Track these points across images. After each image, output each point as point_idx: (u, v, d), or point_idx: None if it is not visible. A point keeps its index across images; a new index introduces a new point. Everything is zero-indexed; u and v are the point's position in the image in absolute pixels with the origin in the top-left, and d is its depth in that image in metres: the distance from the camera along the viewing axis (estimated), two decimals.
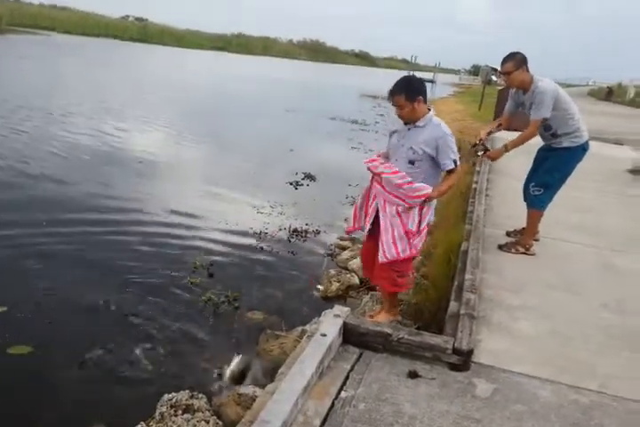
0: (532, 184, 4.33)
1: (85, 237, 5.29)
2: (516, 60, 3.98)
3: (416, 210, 3.14)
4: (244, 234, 5.88)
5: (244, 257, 5.26)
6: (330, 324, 2.62)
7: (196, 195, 7.34)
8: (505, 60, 4.02)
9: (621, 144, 12.57)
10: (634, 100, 33.27)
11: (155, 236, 5.54)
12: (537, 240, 4.62)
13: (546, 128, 4.15)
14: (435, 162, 3.14)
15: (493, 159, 4.26)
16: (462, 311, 2.96)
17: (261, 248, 5.53)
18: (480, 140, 4.23)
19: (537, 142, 4.58)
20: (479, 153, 4.27)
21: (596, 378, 2.65)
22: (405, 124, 3.23)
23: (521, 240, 4.43)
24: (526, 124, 4.48)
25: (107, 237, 5.36)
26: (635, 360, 2.87)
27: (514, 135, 4.26)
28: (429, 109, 3.16)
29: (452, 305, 3.27)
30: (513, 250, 4.35)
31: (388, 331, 2.65)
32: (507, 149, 4.14)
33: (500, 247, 4.39)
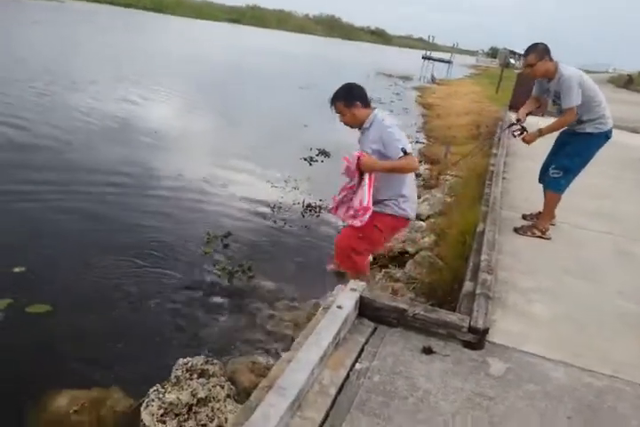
0: (552, 167, 4.30)
1: (102, 201, 5.35)
2: (538, 52, 3.93)
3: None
4: (259, 206, 5.88)
5: (259, 229, 5.27)
6: (346, 297, 2.62)
7: (210, 166, 7.32)
8: (527, 52, 3.98)
9: (639, 132, 12.38)
10: None
11: (170, 204, 5.57)
12: (553, 225, 4.58)
13: None
14: (387, 157, 3.12)
15: (529, 142, 4.23)
16: (478, 291, 2.95)
17: (275, 222, 5.53)
18: (518, 120, 4.28)
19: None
20: (515, 133, 4.29)
21: (610, 363, 2.65)
22: (359, 129, 3.38)
23: (537, 224, 4.40)
24: (543, 110, 4.49)
25: (124, 201, 5.42)
26: None
27: (530, 118, 4.34)
28: (374, 108, 3.27)
29: (467, 285, 3.26)
30: (529, 233, 4.33)
31: (404, 306, 2.65)
32: (541, 133, 4.14)
33: (516, 230, 4.37)
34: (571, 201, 4.64)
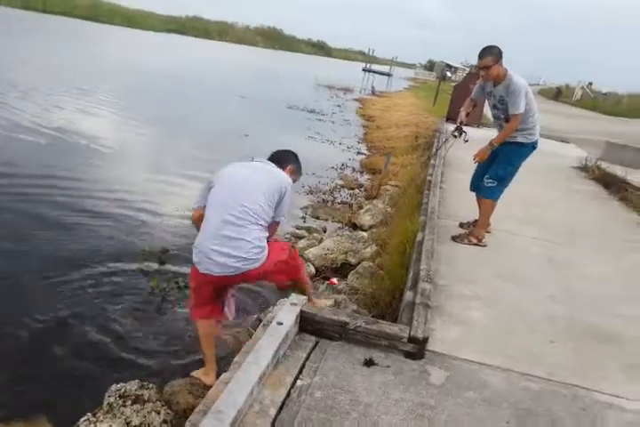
0: (487, 176, 4.44)
1: (30, 221, 5.03)
2: (495, 54, 4.03)
3: None
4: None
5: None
6: (286, 312, 2.58)
7: (146, 181, 7.10)
8: (483, 55, 4.03)
9: (567, 142, 13.10)
10: (580, 101, 34.73)
11: (103, 220, 5.34)
12: (489, 232, 4.73)
13: (506, 119, 4.26)
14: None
15: (483, 158, 4.34)
16: (418, 301, 2.99)
17: None
18: (461, 122, 4.50)
19: (486, 137, 4.69)
20: (455, 134, 4.52)
21: (545, 366, 2.74)
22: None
23: (474, 231, 4.53)
24: (477, 121, 4.67)
25: (52, 222, 5.10)
26: (579, 350, 2.98)
27: (465, 129, 4.58)
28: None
29: (408, 295, 3.30)
30: (466, 241, 4.44)
31: (346, 320, 2.64)
32: (492, 145, 4.26)
33: (454, 238, 4.47)
34: (504, 209, 4.81)
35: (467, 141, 4.56)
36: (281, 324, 2.46)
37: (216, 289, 2.68)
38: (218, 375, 2.48)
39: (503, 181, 4.40)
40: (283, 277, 2.69)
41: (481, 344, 2.86)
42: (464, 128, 4.60)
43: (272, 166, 2.73)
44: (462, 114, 4.52)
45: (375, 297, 3.97)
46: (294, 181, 2.84)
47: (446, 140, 5.34)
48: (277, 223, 2.69)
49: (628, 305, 3.69)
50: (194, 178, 7.40)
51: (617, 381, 2.70)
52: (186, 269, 4.51)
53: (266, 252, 2.54)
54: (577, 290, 3.84)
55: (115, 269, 4.32)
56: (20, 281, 3.93)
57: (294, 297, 2.75)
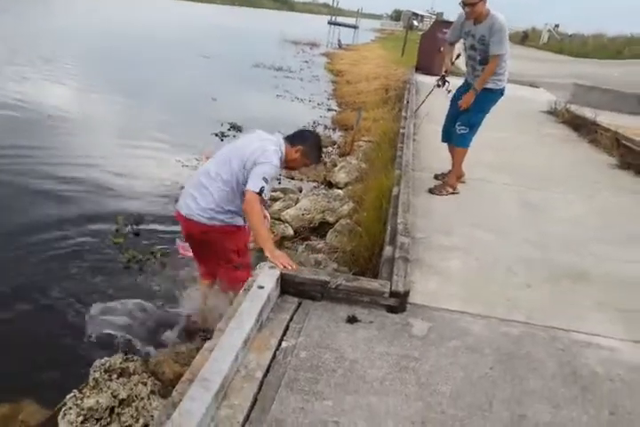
0: (459, 124, 4.42)
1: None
2: None
3: None
4: (171, 188, 5.61)
5: (172, 213, 5.03)
6: (266, 276, 2.55)
7: (115, 149, 6.89)
8: None
9: (537, 87, 13.06)
10: (547, 44, 34.46)
11: (74, 192, 5.21)
12: (463, 182, 4.74)
13: (481, 62, 4.19)
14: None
15: (468, 105, 4.26)
16: (397, 255, 2.98)
17: None
18: (446, 71, 4.45)
19: (457, 86, 4.62)
20: (439, 83, 4.51)
21: (523, 310, 2.79)
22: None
23: (448, 180, 4.53)
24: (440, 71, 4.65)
25: (19, 192, 4.96)
26: (556, 292, 3.05)
27: (432, 79, 4.47)
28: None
29: (387, 250, 3.30)
30: (444, 192, 4.45)
31: (326, 279, 2.62)
32: (476, 90, 4.18)
33: (431, 191, 4.47)
34: (476, 156, 4.81)
35: (450, 91, 4.48)
36: (262, 287, 2.43)
37: (196, 243, 3.10)
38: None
39: (474, 127, 4.41)
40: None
41: (460, 293, 2.90)
42: (447, 78, 4.55)
43: (263, 138, 2.86)
44: (447, 62, 4.44)
45: (355, 254, 3.98)
46: (305, 164, 3.00)
47: (431, 91, 5.29)
48: (246, 192, 2.68)
49: (600, 245, 3.78)
50: (163, 144, 7.22)
51: (592, 320, 2.78)
52: (160, 238, 4.46)
53: (224, 221, 2.87)
54: (551, 233, 3.90)
55: (88, 242, 4.24)
56: None
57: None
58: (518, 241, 3.69)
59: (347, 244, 4.26)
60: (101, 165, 6.16)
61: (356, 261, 3.91)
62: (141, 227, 4.64)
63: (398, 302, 2.61)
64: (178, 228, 4.71)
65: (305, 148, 2.90)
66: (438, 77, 4.57)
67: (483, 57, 4.14)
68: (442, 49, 4.70)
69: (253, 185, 2.65)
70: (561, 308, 2.88)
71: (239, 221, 2.98)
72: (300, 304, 2.59)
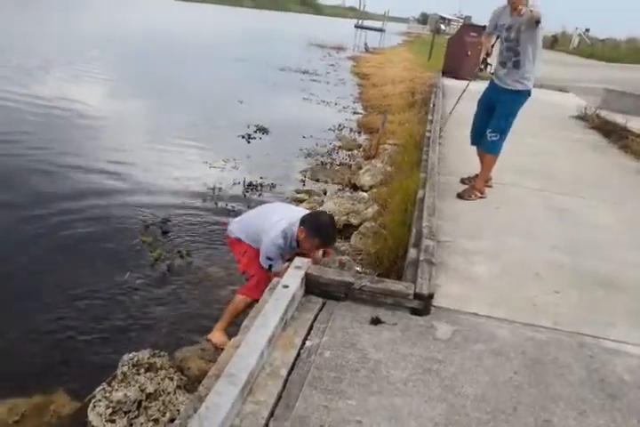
0: (489, 130, 4.37)
1: (33, 196, 5.04)
2: None
3: None
4: (198, 189, 5.71)
5: (199, 212, 5.13)
6: (291, 275, 2.58)
7: (146, 150, 7.04)
8: None
9: (566, 91, 12.85)
10: (577, 49, 33.89)
11: (104, 192, 5.33)
12: (490, 186, 4.70)
13: (516, 53, 4.12)
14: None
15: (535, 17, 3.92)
16: (422, 258, 2.98)
17: (216, 203, 5.39)
18: (487, 53, 4.41)
19: (479, 89, 4.59)
20: (482, 67, 4.47)
21: (550, 316, 2.76)
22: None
23: (476, 184, 4.50)
24: (472, 75, 4.59)
25: (55, 196, 5.08)
26: (584, 298, 3.00)
27: (463, 84, 4.56)
28: None
29: (411, 252, 3.30)
30: (472, 196, 4.42)
31: (351, 280, 2.64)
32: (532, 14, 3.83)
33: (459, 195, 4.43)
34: (504, 160, 4.74)
35: (495, 72, 4.38)
36: (287, 287, 2.46)
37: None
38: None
39: (505, 132, 4.36)
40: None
41: (486, 298, 2.88)
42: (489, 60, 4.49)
43: (283, 216, 3.13)
44: (487, 46, 4.41)
45: (379, 257, 3.99)
46: (314, 246, 3.09)
47: (463, 92, 5.28)
48: None
49: (632, 252, 3.70)
50: (191, 147, 7.33)
51: (622, 327, 2.73)
52: (188, 238, 4.53)
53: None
54: (580, 239, 3.84)
55: (118, 240, 4.34)
56: (18, 255, 3.94)
57: (298, 260, 2.75)
58: (546, 246, 3.65)
59: (371, 246, 4.27)
60: (131, 164, 6.29)
61: (380, 264, 3.92)
62: (169, 225, 4.72)
63: (422, 305, 2.61)
64: (205, 226, 4.81)
65: (306, 228, 2.98)
66: (481, 60, 4.47)
67: (517, 46, 4.06)
68: (469, 53, 4.70)
69: (262, 261, 3.06)
70: (589, 314, 2.84)
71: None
72: (324, 304, 2.61)
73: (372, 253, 4.09)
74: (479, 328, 2.57)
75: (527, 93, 4.27)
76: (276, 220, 3.09)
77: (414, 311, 2.62)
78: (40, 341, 3.06)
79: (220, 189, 5.77)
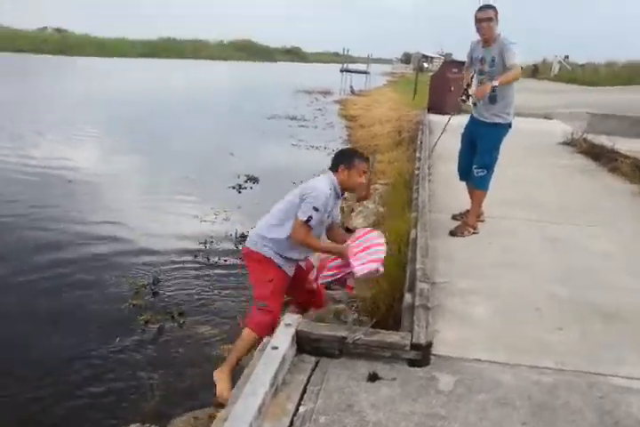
0: (475, 166, 4.35)
1: (22, 259, 5.00)
2: (496, 11, 3.96)
3: None
4: (189, 245, 5.64)
5: (191, 270, 5.04)
6: (281, 334, 2.48)
7: (137, 208, 7.03)
8: (486, 7, 3.96)
9: (551, 118, 13.03)
10: (558, 75, 34.71)
11: (93, 254, 5.25)
12: (482, 221, 4.65)
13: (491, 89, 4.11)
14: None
15: (481, 95, 4.07)
16: (417, 303, 2.89)
17: (208, 258, 5.31)
18: (468, 84, 4.40)
19: (462, 123, 4.62)
20: (463, 98, 4.42)
21: (554, 355, 2.64)
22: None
23: (468, 221, 4.45)
24: (455, 108, 4.77)
25: (44, 259, 5.03)
26: (586, 333, 2.89)
27: (444, 119, 4.60)
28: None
29: (407, 297, 3.21)
30: (465, 233, 4.36)
31: (344, 334, 2.54)
32: (494, 85, 3.93)
33: (452, 233, 4.36)
34: (495, 193, 4.70)
35: (475, 105, 4.36)
36: (276, 348, 2.36)
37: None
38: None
39: (491, 167, 4.35)
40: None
41: (487, 341, 2.77)
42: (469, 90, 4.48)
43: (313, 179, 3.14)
44: (467, 77, 4.44)
45: (375, 301, 3.88)
46: (358, 175, 3.08)
47: (445, 126, 5.31)
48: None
49: (630, 279, 3.62)
50: (182, 202, 7.32)
51: (630, 362, 2.61)
52: (178, 298, 4.44)
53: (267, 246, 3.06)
54: (578, 268, 3.75)
55: (106, 306, 4.23)
56: (15, 320, 3.89)
57: (288, 317, 2.66)
58: (544, 279, 3.55)
59: (366, 291, 4.17)
60: (122, 223, 6.25)
61: (377, 310, 3.80)
62: (160, 285, 4.63)
63: (421, 356, 2.50)
64: (196, 284, 4.72)
65: (343, 164, 3.07)
66: (461, 92, 4.46)
67: (491, 80, 4.05)
68: (452, 89, 4.76)
69: (299, 216, 2.92)
70: (596, 351, 2.72)
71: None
72: (317, 363, 2.50)
73: (368, 299, 3.98)
74: (482, 375, 2.46)
75: (507, 126, 4.28)
76: (304, 185, 3.07)
77: (413, 363, 2.51)
78: (19, 410, 2.92)
79: (211, 242, 5.71)
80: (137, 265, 5.09)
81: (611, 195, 5.94)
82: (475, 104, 4.44)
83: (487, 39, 4.07)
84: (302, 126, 15.71)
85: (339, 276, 3.29)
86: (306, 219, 2.90)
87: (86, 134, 12.35)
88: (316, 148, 12.02)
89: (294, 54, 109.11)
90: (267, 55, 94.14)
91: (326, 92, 28.69)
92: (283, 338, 2.45)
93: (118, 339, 3.74)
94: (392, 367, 2.48)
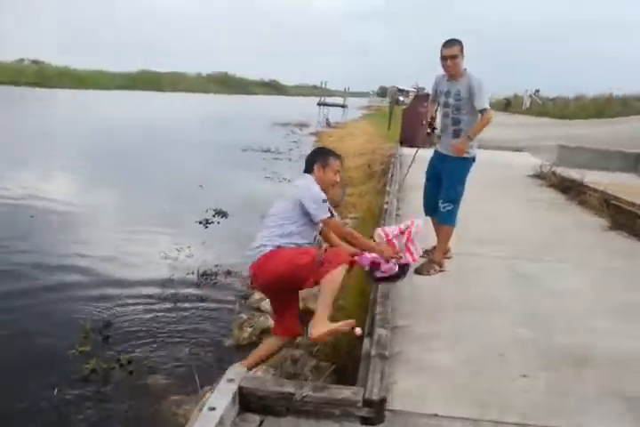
0: (441, 201, 4.27)
1: None
2: (461, 45, 3.94)
3: None
4: (148, 285, 5.38)
5: (147, 312, 4.78)
6: (221, 393, 2.26)
7: (95, 244, 6.70)
8: (452, 43, 3.92)
9: (521, 151, 13.24)
10: (529, 109, 35.76)
11: (44, 294, 4.95)
12: (449, 258, 4.52)
13: (455, 122, 4.13)
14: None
15: (462, 151, 4.10)
16: (373, 352, 2.70)
17: (166, 299, 5.06)
18: (432, 117, 4.34)
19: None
20: (428, 131, 4.37)
21: (518, 408, 2.47)
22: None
23: (434, 258, 4.31)
24: (426, 142, 4.60)
25: None
26: (554, 380, 2.73)
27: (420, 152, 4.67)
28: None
29: (365, 343, 3.02)
30: (431, 271, 4.20)
31: (291, 390, 2.33)
32: (470, 138, 4.05)
33: (418, 271, 4.20)
34: (462, 229, 4.61)
35: (440, 137, 4.35)
36: (213, 409, 2.14)
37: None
38: None
39: (457, 201, 4.26)
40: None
41: (447, 392, 2.58)
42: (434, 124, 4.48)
43: (298, 181, 3.21)
44: (432, 110, 4.39)
45: (336, 345, 3.69)
46: (333, 173, 3.22)
47: (413, 159, 5.27)
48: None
49: (599, 319, 3.49)
50: (145, 239, 7.05)
51: (596, 413, 2.45)
52: (130, 343, 4.17)
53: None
54: (545, 310, 3.62)
55: (50, 353, 3.94)
56: None
57: (231, 371, 2.45)
58: (510, 322, 3.40)
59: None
60: (77, 260, 5.96)
61: (338, 354, 3.61)
62: (111, 329, 4.36)
63: (374, 413, 2.30)
64: (150, 327, 4.46)
65: (318, 162, 3.21)
66: (426, 124, 4.42)
67: (455, 115, 4.09)
68: (424, 122, 4.69)
69: (320, 213, 3.02)
70: (561, 401, 2.55)
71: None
72: (261, 423, 2.28)
73: (329, 342, 3.78)
74: None
75: (472, 160, 4.24)
76: (296, 190, 3.12)
77: (365, 421, 2.31)
78: None
79: (171, 281, 5.47)
80: (90, 305, 4.81)
81: (580, 229, 5.91)
82: (439, 137, 4.40)
83: (453, 75, 4.07)
84: (276, 159, 15.66)
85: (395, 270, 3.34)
86: (329, 214, 3.07)
87: (54, 167, 12.09)
88: (289, 180, 11.90)
89: (272, 87, 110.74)
90: (245, 88, 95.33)
91: (303, 125, 28.93)
92: (222, 397, 2.23)
93: (57, 391, 3.44)
94: (342, 426, 2.27)
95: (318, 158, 3.22)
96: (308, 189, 3.06)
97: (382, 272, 3.34)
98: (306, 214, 3.03)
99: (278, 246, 2.97)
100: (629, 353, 3.03)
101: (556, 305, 3.70)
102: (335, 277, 2.90)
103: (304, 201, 3.00)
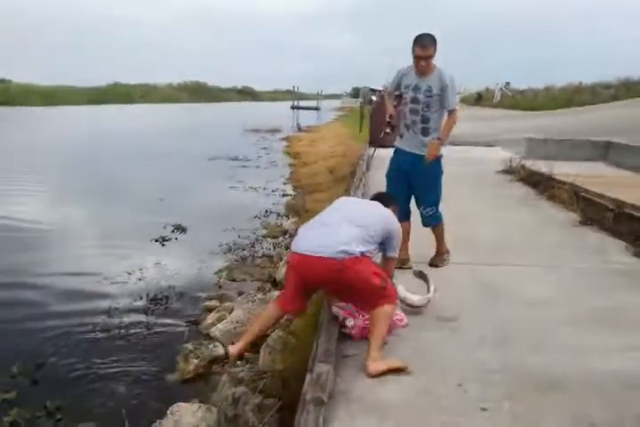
0: (422, 207, 4.15)
1: None
2: (436, 43, 3.72)
3: None
4: (90, 315, 4.90)
5: (86, 346, 4.33)
6: None
7: (36, 269, 6.06)
8: (428, 44, 3.67)
9: (492, 146, 13.02)
10: (500, 102, 35.92)
11: None
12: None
13: (424, 119, 3.91)
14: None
15: (435, 155, 3.94)
16: (308, 396, 2.33)
17: (108, 330, 4.60)
18: (391, 116, 4.09)
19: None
20: (387, 131, 4.10)
21: None
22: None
23: (439, 250, 4.37)
24: (388, 141, 4.46)
25: None
26: (518, 412, 2.39)
27: (385, 152, 4.43)
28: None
29: (307, 379, 2.64)
30: (445, 262, 4.35)
31: None
32: (442, 141, 3.96)
33: (434, 264, 4.32)
34: (424, 233, 4.30)
35: (402, 136, 4.10)
36: None
37: None
38: None
39: (439, 202, 4.18)
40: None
41: None
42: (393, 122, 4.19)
43: (385, 210, 3.24)
44: (390, 108, 4.13)
45: (286, 377, 3.30)
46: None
47: (372, 156, 5.39)
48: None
49: (569, 333, 3.18)
50: (92, 263, 6.45)
51: None
52: (61, 386, 3.75)
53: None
54: (511, 324, 3.29)
55: None
56: None
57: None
58: (472, 341, 3.06)
59: (280, 362, 3.59)
60: (14, 288, 5.47)
61: (287, 387, 3.22)
62: (42, 371, 3.92)
63: None
64: (85, 367, 4.01)
65: (393, 206, 3.43)
66: (385, 124, 4.13)
67: (424, 112, 3.88)
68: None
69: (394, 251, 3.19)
70: None
71: None
72: None
73: (277, 373, 3.40)
74: None
75: (441, 157, 4.05)
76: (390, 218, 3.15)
77: None
78: None
79: (117, 309, 5.02)
80: (22, 342, 4.34)
81: (550, 227, 5.63)
82: (401, 136, 4.12)
83: (424, 72, 3.83)
84: (244, 167, 15.20)
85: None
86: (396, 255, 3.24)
87: (8, 182, 11.46)
88: (255, 189, 11.50)
89: (246, 94, 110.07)
90: (218, 96, 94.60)
91: (275, 130, 28.46)
92: None
93: None
94: None
95: (394, 202, 3.48)
96: (399, 228, 3.17)
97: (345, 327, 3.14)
98: (381, 243, 3.06)
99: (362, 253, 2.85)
100: (602, 375, 2.70)
101: (523, 318, 3.38)
102: (391, 314, 2.90)
103: (393, 235, 3.07)
